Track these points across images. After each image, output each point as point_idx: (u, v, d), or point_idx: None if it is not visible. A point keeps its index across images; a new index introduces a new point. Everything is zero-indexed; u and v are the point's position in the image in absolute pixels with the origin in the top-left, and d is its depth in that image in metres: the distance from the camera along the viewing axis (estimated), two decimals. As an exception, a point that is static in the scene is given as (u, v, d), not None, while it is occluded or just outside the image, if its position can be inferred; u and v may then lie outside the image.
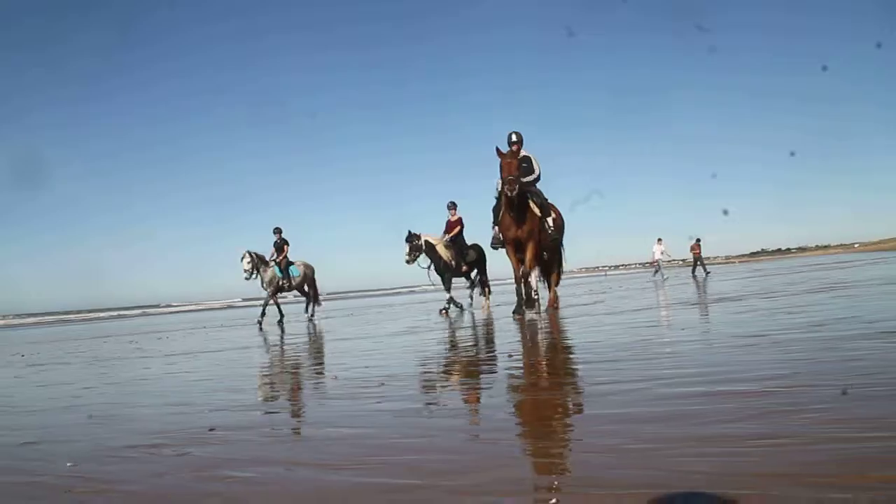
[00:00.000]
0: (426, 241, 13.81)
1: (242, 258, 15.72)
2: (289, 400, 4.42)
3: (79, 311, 54.41)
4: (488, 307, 13.40)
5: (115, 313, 52.27)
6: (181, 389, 5.24)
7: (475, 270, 14.57)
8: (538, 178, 10.38)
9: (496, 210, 10.30)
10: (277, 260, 16.01)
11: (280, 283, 16.00)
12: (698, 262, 29.82)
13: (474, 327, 9.22)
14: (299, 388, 4.87)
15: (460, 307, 13.76)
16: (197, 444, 3.03)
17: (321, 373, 5.50)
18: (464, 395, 3.98)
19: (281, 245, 16.16)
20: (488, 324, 9.47)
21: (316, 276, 17.02)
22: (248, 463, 2.63)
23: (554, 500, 1.93)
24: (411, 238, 13.80)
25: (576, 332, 7.08)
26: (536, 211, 10.01)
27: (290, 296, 17.34)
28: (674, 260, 32.19)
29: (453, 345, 7.10)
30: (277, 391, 4.86)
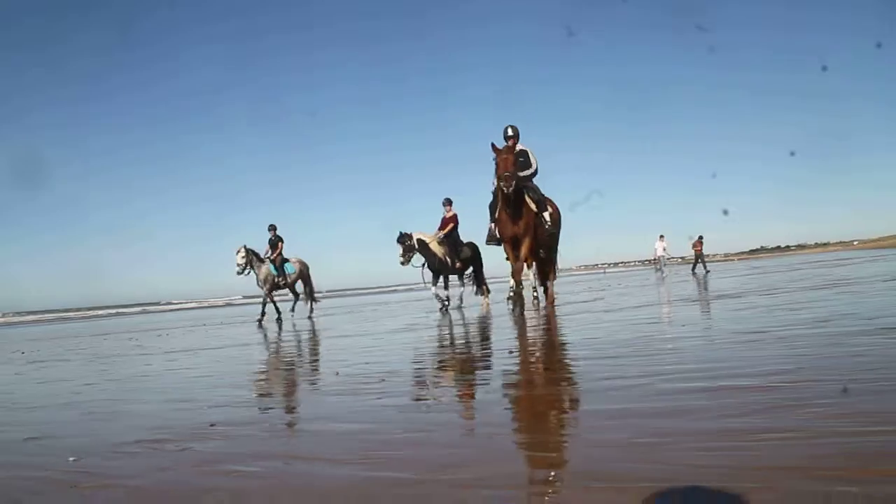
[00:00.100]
0: (419, 240, 13.66)
1: (237, 252, 15.62)
2: (290, 396, 4.42)
3: (78, 309, 54.39)
4: (487, 305, 13.27)
5: (114, 311, 52.27)
6: (182, 386, 5.23)
7: (470, 269, 14.40)
8: (535, 173, 10.25)
9: (493, 207, 10.21)
10: (272, 257, 15.92)
11: (276, 280, 15.91)
12: (699, 260, 29.80)
13: (473, 325, 9.21)
14: (300, 385, 4.87)
15: (445, 307, 13.37)
16: (199, 439, 3.03)
17: (322, 369, 5.49)
18: (464, 390, 3.97)
19: (276, 242, 16.06)
20: (487, 321, 9.45)
21: (311, 273, 16.98)
22: (250, 458, 2.63)
23: (559, 494, 1.93)
24: (403, 238, 13.66)
25: (575, 328, 7.07)
26: (532, 206, 9.90)
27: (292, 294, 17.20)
28: (672, 258, 32.13)
29: (453, 342, 7.10)
30: (278, 387, 4.86)
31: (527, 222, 9.71)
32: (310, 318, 15.63)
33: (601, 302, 11.51)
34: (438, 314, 12.13)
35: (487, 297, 14.26)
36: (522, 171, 9.86)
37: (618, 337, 5.61)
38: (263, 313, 15.55)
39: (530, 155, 10.22)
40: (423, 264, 13.74)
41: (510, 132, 10.19)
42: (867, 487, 1.74)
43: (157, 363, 7.35)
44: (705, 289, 13.36)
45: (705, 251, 30.26)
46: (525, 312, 9.63)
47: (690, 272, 29.38)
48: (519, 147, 10.07)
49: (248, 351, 8.39)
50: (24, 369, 8.01)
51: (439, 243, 13.74)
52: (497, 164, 9.32)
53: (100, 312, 51.57)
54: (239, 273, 15.66)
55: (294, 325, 13.11)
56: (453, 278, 14.37)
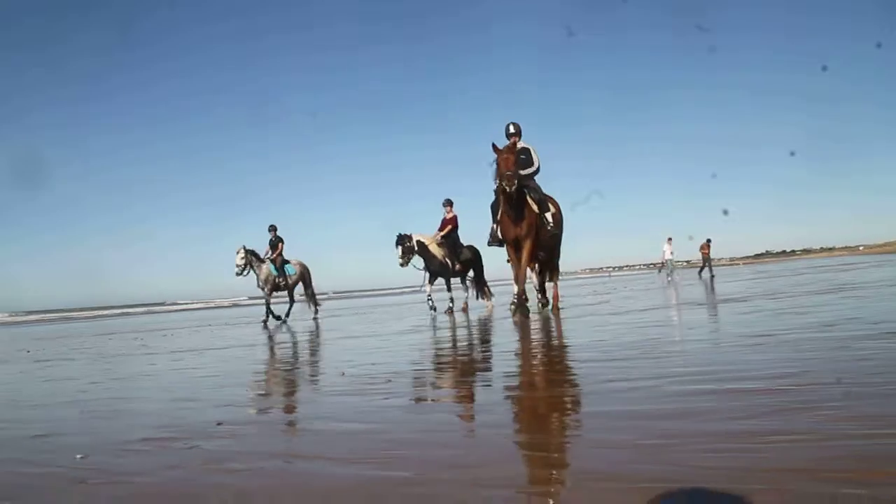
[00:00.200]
0: (418, 241, 13.51)
1: (237, 252, 15.56)
2: (296, 395, 4.43)
3: (83, 309, 54.52)
4: (491, 308, 13.21)
5: (119, 311, 52.36)
6: (188, 385, 5.25)
7: (471, 272, 14.24)
8: (538, 170, 10.11)
9: (494, 207, 10.07)
10: (272, 257, 15.87)
11: (276, 280, 15.86)
12: (706, 263, 29.69)
13: (478, 327, 9.21)
14: (306, 385, 4.87)
15: (433, 309, 13.27)
16: (206, 437, 3.04)
17: (328, 370, 5.49)
18: (470, 391, 3.98)
19: (276, 243, 15.99)
20: (492, 324, 9.45)
21: (312, 276, 16.86)
22: (257, 456, 2.64)
23: (564, 494, 1.93)
24: (402, 240, 13.51)
25: (582, 331, 7.07)
26: (534, 207, 9.75)
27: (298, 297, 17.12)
28: (679, 261, 32.02)
29: (459, 344, 7.10)
30: (284, 387, 4.87)
31: (529, 223, 9.57)
32: (314, 319, 15.61)
33: (607, 305, 11.50)
34: (445, 316, 12.12)
35: (490, 300, 14.16)
36: (524, 169, 9.72)
37: (624, 339, 5.61)
38: (268, 314, 15.54)
39: (532, 153, 10.07)
40: (424, 267, 13.61)
41: (512, 129, 10.07)
42: (874, 490, 1.74)
43: (162, 363, 7.36)
44: (711, 293, 13.35)
45: (711, 255, 30.16)
46: (529, 315, 9.57)
47: (697, 275, 29.28)
48: (521, 145, 9.95)
49: (254, 351, 8.40)
50: (29, 368, 8.03)
51: (439, 245, 13.61)
52: (498, 163, 9.18)
53: (104, 312, 51.67)
54: (238, 274, 15.58)
55: (300, 327, 13.13)
56: (455, 280, 14.28)
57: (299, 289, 16.61)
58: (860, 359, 3.58)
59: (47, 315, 51.06)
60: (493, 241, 10.18)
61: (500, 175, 9.16)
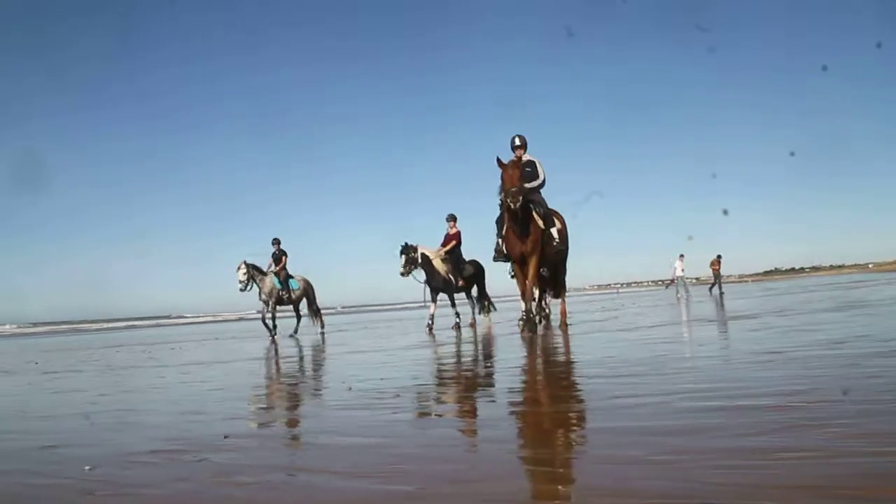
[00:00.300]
0: (422, 254, 13.29)
1: (238, 268, 15.49)
2: (303, 409, 4.43)
3: (90, 321, 54.61)
4: (489, 324, 13.07)
5: (127, 324, 52.45)
6: (196, 398, 5.25)
7: (474, 287, 14.07)
8: (543, 184, 9.90)
9: (499, 222, 9.84)
10: (276, 270, 15.82)
11: (280, 294, 15.84)
12: (717, 280, 29.51)
13: (485, 343, 9.20)
14: (314, 399, 4.87)
15: (430, 325, 12.83)
16: (213, 450, 3.04)
17: (335, 384, 5.49)
18: (477, 407, 3.97)
19: (279, 256, 15.93)
20: (499, 340, 9.43)
21: (315, 293, 16.75)
22: (265, 469, 2.64)
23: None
24: (407, 250, 13.23)
25: (590, 347, 7.06)
26: (539, 222, 9.55)
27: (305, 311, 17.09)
28: (689, 278, 31.76)
29: (465, 359, 7.10)
30: (292, 401, 4.87)
31: (534, 239, 9.39)
32: (321, 333, 15.59)
33: (615, 321, 11.47)
34: (452, 331, 12.07)
35: (489, 315, 13.97)
36: (529, 182, 9.56)
37: (633, 356, 5.59)
38: (275, 326, 15.53)
39: (538, 166, 9.88)
40: (426, 281, 13.38)
41: (517, 142, 9.87)
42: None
43: (170, 375, 7.37)
44: (720, 309, 13.30)
45: (721, 271, 29.99)
46: (537, 331, 9.53)
47: (708, 292, 29.07)
48: (526, 158, 9.77)
49: (262, 365, 8.41)
50: (37, 379, 8.05)
51: (442, 261, 13.40)
52: (503, 179, 9.02)
53: (112, 325, 51.76)
54: (242, 290, 15.51)
55: (307, 341, 13.13)
56: (460, 296, 14.14)
57: (304, 305, 16.57)
58: (870, 376, 3.56)
59: (55, 327, 51.19)
60: (499, 256, 9.99)
61: (504, 191, 9.02)
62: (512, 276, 10.02)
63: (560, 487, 2.17)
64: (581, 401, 3.75)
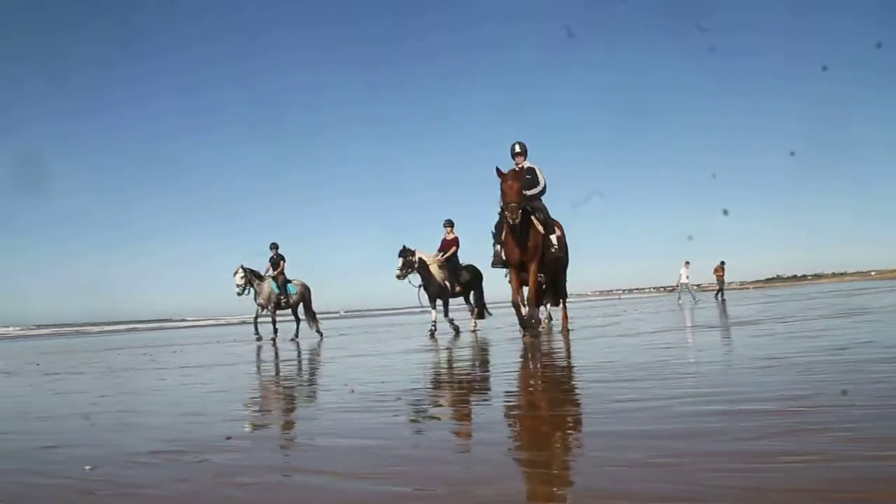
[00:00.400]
0: (420, 259, 13.08)
1: (235, 273, 15.47)
2: (305, 412, 4.43)
3: (92, 324, 54.61)
4: (474, 328, 12.92)
5: (128, 326, 52.46)
6: (197, 400, 5.25)
7: (472, 293, 13.80)
8: (543, 191, 9.69)
9: (498, 227, 9.60)
10: (273, 275, 15.79)
11: (279, 298, 15.83)
12: (721, 286, 29.42)
13: (487, 347, 9.19)
14: (315, 401, 4.87)
15: (432, 331, 12.78)
16: (214, 451, 3.04)
17: (337, 387, 5.49)
18: (478, 410, 3.98)
19: (277, 261, 15.90)
20: (500, 345, 9.42)
21: (312, 297, 16.63)
22: (265, 471, 2.65)
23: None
24: (405, 253, 13.00)
25: (592, 352, 7.05)
26: (540, 228, 9.29)
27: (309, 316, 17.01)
28: (694, 285, 31.57)
29: (466, 364, 7.09)
30: (293, 403, 4.87)
31: (535, 245, 9.17)
32: (319, 334, 15.57)
33: (617, 327, 11.46)
34: (451, 337, 12.05)
35: (475, 319, 13.64)
36: (529, 189, 9.38)
37: (636, 360, 5.59)
38: (275, 330, 15.54)
39: (538, 173, 9.69)
40: (420, 285, 13.18)
41: (517, 149, 9.67)
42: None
43: (171, 378, 7.38)
44: (723, 316, 13.29)
45: (725, 278, 29.88)
46: (538, 337, 9.49)
47: (714, 298, 28.90)
48: (526, 164, 9.61)
49: (263, 368, 8.41)
50: (39, 381, 8.05)
51: (440, 267, 13.22)
52: (502, 190, 8.74)
53: (113, 327, 51.76)
54: (239, 294, 15.47)
55: (308, 345, 13.13)
56: (457, 301, 13.91)
57: (300, 309, 16.50)
58: (872, 381, 3.55)
59: (56, 329, 51.21)
60: (497, 262, 9.76)
61: (504, 204, 8.77)
62: (509, 282, 9.86)
63: (559, 489, 2.16)
64: (582, 404, 3.75)
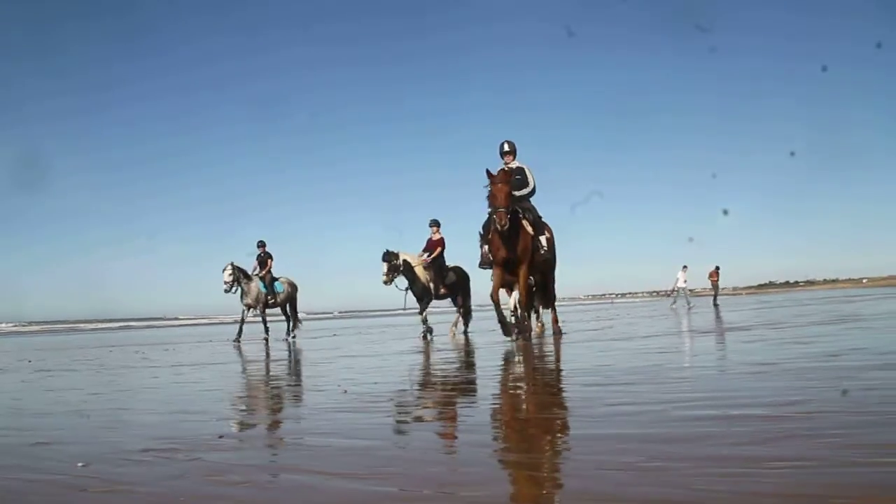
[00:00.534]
0: (404, 261, 12.86)
1: (224, 269, 15.41)
2: (297, 411, 4.42)
3: (85, 321, 54.46)
4: (454, 333, 12.79)
5: (121, 324, 52.29)
6: (190, 398, 5.24)
7: (459, 296, 13.55)
8: (533, 192, 9.55)
9: (486, 227, 9.40)
10: (261, 274, 15.74)
11: (266, 298, 15.73)
12: (717, 291, 29.50)
13: (480, 350, 9.19)
14: (308, 401, 4.87)
15: (429, 331, 12.68)
16: (207, 449, 3.03)
17: (330, 387, 5.48)
18: (470, 412, 3.98)
19: (265, 259, 15.87)
20: (493, 347, 9.40)
21: (298, 295, 16.60)
22: (258, 470, 2.65)
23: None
24: (389, 257, 12.72)
25: (586, 356, 7.06)
26: (529, 229, 9.16)
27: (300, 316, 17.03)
28: (691, 290, 31.54)
29: (459, 366, 7.09)
30: (286, 403, 4.86)
31: (524, 247, 9.03)
32: (288, 339, 15.37)
33: (611, 331, 11.48)
34: (448, 338, 12.03)
35: (456, 324, 13.52)
36: (519, 189, 9.23)
37: (629, 365, 5.60)
38: (267, 330, 15.51)
39: (527, 172, 9.52)
40: (407, 288, 13.00)
41: (506, 147, 9.53)
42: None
43: (164, 376, 7.36)
44: (716, 321, 13.32)
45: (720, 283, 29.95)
46: (519, 340, 9.38)
47: (713, 305, 28.85)
48: (515, 164, 9.46)
49: (256, 367, 8.40)
50: (31, 378, 8.02)
51: (424, 268, 13.01)
52: (491, 194, 8.60)
53: (106, 325, 51.60)
54: (226, 291, 15.41)
55: (302, 345, 13.12)
56: (443, 304, 13.77)
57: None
58: (864, 388, 3.57)
59: (50, 326, 51.06)
60: (485, 263, 9.62)
61: (492, 207, 8.65)
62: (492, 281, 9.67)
63: (550, 492, 2.16)
64: (576, 408, 3.75)
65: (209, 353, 11.46)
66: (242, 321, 15.71)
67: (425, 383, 5.56)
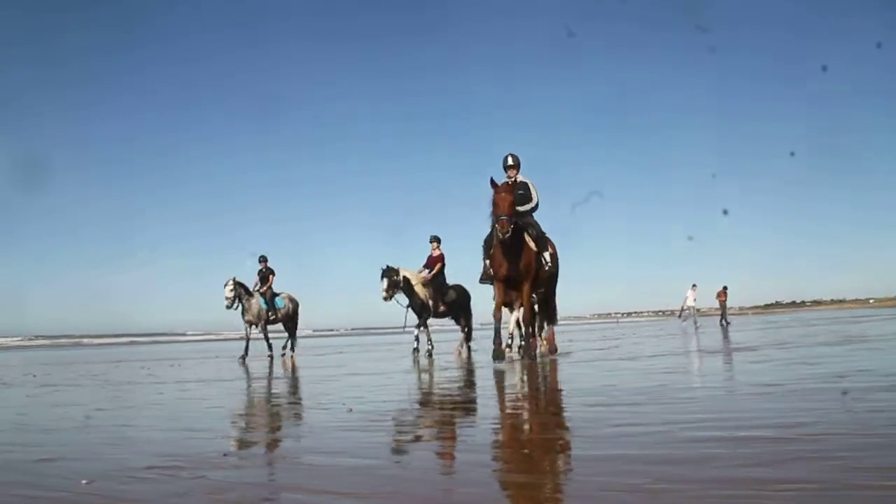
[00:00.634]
0: (404, 277, 12.74)
1: (226, 285, 15.19)
2: (302, 430, 4.41)
3: (90, 336, 54.50)
4: (459, 353, 12.59)
5: (127, 340, 52.31)
6: (195, 415, 5.24)
7: (461, 318, 13.44)
8: (536, 207, 9.38)
9: (488, 242, 9.27)
10: (262, 290, 15.61)
11: (267, 315, 15.57)
12: (724, 311, 29.35)
13: (484, 370, 9.16)
14: (313, 420, 4.85)
15: (416, 350, 12.71)
16: (211, 467, 3.03)
17: (335, 405, 5.47)
18: (477, 433, 3.97)
19: (266, 275, 15.71)
20: (495, 367, 9.37)
21: (299, 311, 16.44)
22: (261, 488, 2.65)
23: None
24: (389, 273, 12.63)
25: (591, 376, 7.03)
26: (532, 245, 9.01)
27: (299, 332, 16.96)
28: (699, 309, 31.40)
29: (466, 386, 7.08)
30: (291, 421, 4.85)
31: (527, 263, 8.89)
32: (282, 355, 15.34)
33: (616, 350, 11.44)
34: (452, 357, 11.98)
35: (460, 345, 13.32)
36: (522, 205, 9.04)
37: (635, 385, 5.57)
38: (270, 347, 15.43)
39: (531, 188, 9.36)
40: (408, 305, 12.90)
41: (510, 161, 9.36)
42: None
43: (169, 392, 7.35)
44: (722, 341, 13.27)
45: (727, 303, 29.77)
46: (512, 360, 9.31)
47: (719, 324, 28.74)
48: (519, 179, 9.30)
49: (262, 385, 8.38)
50: (36, 392, 8.03)
51: (424, 285, 12.87)
52: (494, 203, 8.46)
53: (112, 340, 51.64)
54: (228, 307, 15.21)
55: (305, 362, 13.10)
56: (448, 324, 13.64)
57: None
58: (872, 410, 3.55)
59: (54, 340, 51.15)
60: (486, 278, 9.48)
61: (494, 216, 8.54)
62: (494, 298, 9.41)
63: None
64: (579, 428, 3.73)
65: (215, 370, 11.45)
66: (248, 339, 15.60)
67: (429, 402, 5.55)
